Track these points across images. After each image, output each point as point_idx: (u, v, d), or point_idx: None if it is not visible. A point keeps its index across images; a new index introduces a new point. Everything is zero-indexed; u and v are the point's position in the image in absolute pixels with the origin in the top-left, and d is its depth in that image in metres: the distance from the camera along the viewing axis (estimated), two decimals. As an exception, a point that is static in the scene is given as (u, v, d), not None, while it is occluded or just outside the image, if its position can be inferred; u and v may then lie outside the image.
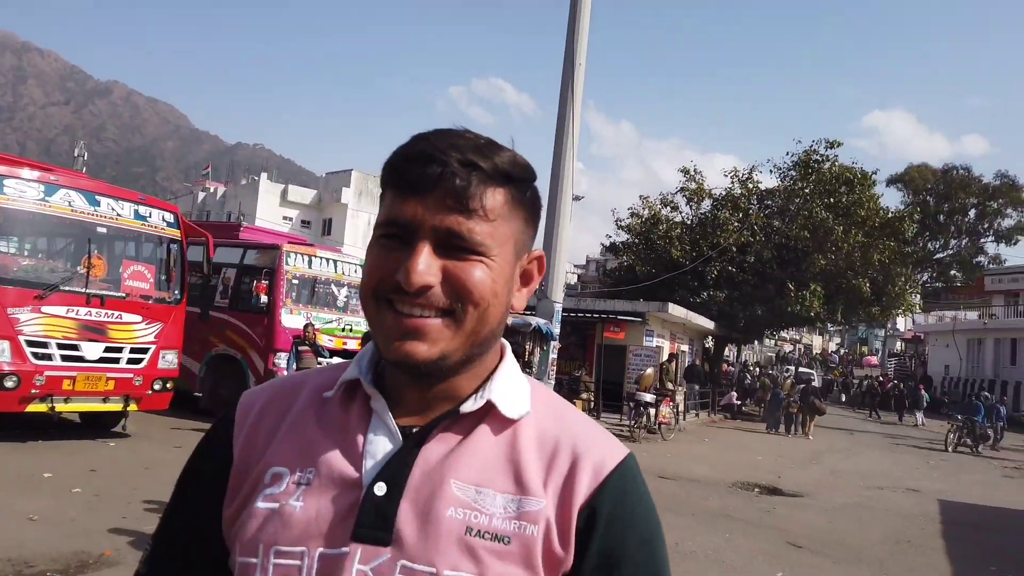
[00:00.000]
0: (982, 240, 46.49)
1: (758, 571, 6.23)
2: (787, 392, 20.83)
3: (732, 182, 26.90)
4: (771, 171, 27.49)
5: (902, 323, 51.08)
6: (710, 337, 28.08)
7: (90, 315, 8.20)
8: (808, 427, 19.85)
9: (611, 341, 19.19)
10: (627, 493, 0.85)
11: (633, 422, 15.39)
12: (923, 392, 28.78)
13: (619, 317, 19.46)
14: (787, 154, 27.16)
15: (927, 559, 7.24)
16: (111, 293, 8.49)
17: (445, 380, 0.85)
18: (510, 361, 0.91)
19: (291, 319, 11.32)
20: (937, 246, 46.98)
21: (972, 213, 45.94)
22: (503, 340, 0.93)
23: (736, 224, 24.80)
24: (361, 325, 12.05)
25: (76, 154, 39.46)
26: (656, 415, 15.63)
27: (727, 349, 32.89)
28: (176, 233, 9.42)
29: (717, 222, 25.29)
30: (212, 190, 59.52)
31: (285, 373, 10.45)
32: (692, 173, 27.02)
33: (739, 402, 25.61)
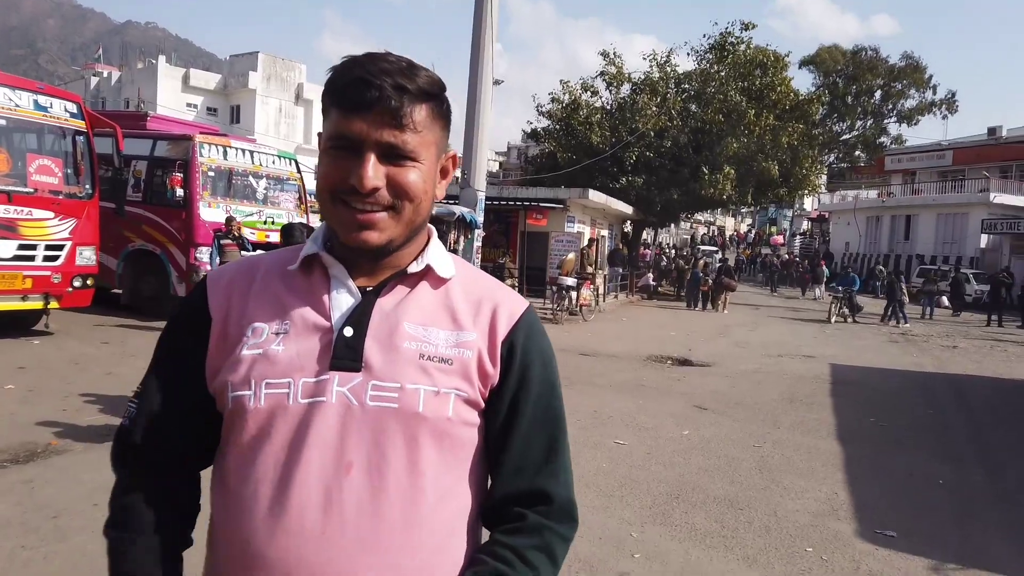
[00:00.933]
0: (886, 121, 48.39)
1: (667, 430, 6.91)
2: (703, 272, 22.30)
3: (651, 66, 26.93)
4: (688, 54, 27.63)
5: (809, 203, 53.40)
6: (628, 222, 28.85)
7: (-2, 212, 7.91)
8: (722, 303, 21.64)
9: (533, 228, 19.57)
10: (532, 330, 1.15)
11: (556, 305, 16.01)
12: (824, 268, 30.64)
13: (541, 204, 19.77)
14: (704, 36, 27.25)
15: (816, 413, 8.13)
16: (18, 189, 8.17)
17: (390, 255, 1.10)
18: (436, 238, 1.17)
19: (210, 212, 11.10)
20: (844, 127, 48.67)
21: (878, 95, 47.53)
22: (429, 225, 1.17)
23: (654, 109, 25.03)
24: (282, 217, 11.95)
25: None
26: (577, 298, 16.29)
27: (644, 233, 33.90)
28: (81, 124, 9.01)
29: (636, 107, 25.45)
30: (105, 75, 55.35)
31: (208, 267, 10.37)
32: (612, 57, 26.85)
33: (655, 283, 26.77)
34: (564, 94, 26.72)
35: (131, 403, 1.12)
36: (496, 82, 16.20)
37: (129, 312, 11.30)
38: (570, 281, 16.03)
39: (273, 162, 12.56)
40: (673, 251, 40.59)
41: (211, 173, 11.44)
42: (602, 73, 26.95)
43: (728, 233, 71.65)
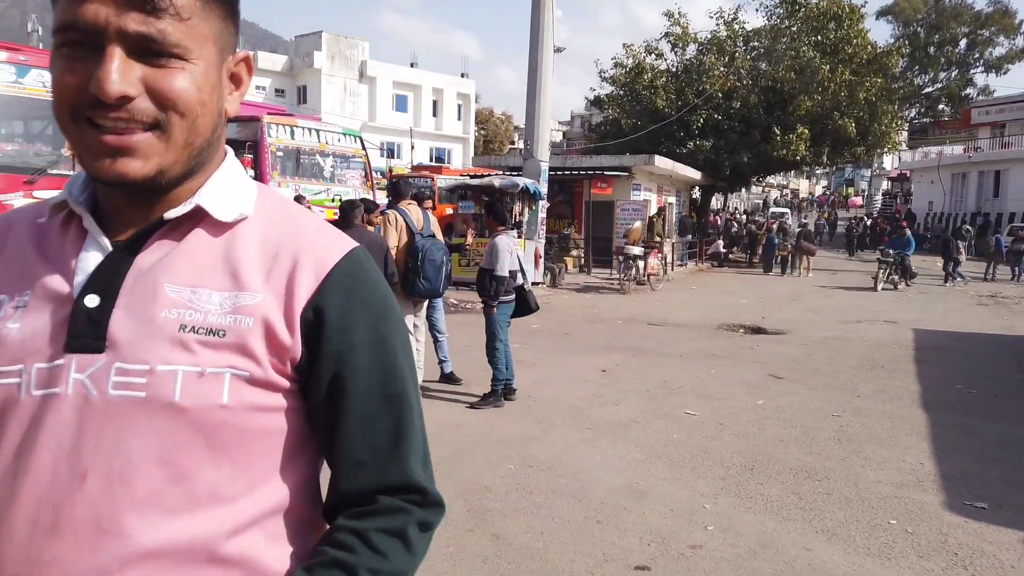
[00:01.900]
0: (971, 71, 45.71)
1: (740, 400, 6.75)
2: (780, 235, 22.32)
3: (718, 24, 26.06)
4: (757, 10, 26.66)
5: (888, 162, 51.07)
6: (696, 187, 28.19)
7: (81, 198, 8.26)
8: (804, 267, 21.28)
9: (598, 197, 19.33)
10: (353, 285, 0.87)
11: (622, 275, 15.82)
12: (907, 231, 29.32)
13: (605, 173, 19.49)
14: (774, -10, 26.15)
15: (898, 381, 7.80)
16: (99, 175, 8.50)
17: (164, 195, 0.85)
18: (229, 166, 0.91)
19: (279, 192, 11.37)
20: (926, 80, 46.21)
21: (963, 43, 44.91)
22: (227, 148, 0.93)
23: (722, 69, 24.27)
24: (349, 195, 12.12)
25: (30, 29, 37.45)
26: (645, 267, 16.05)
27: (714, 198, 33.10)
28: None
29: (703, 68, 24.72)
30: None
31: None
32: (676, 17, 26.09)
33: (726, 250, 26.15)
34: (628, 58, 26.17)
35: None
36: (557, 50, 15.95)
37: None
38: (636, 250, 15.79)
39: (339, 140, 12.72)
40: (744, 216, 39.53)
41: (279, 153, 11.68)
42: (666, 34, 26.26)
43: (802, 195, 69.37)
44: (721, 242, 26.32)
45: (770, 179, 51.45)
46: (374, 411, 0.88)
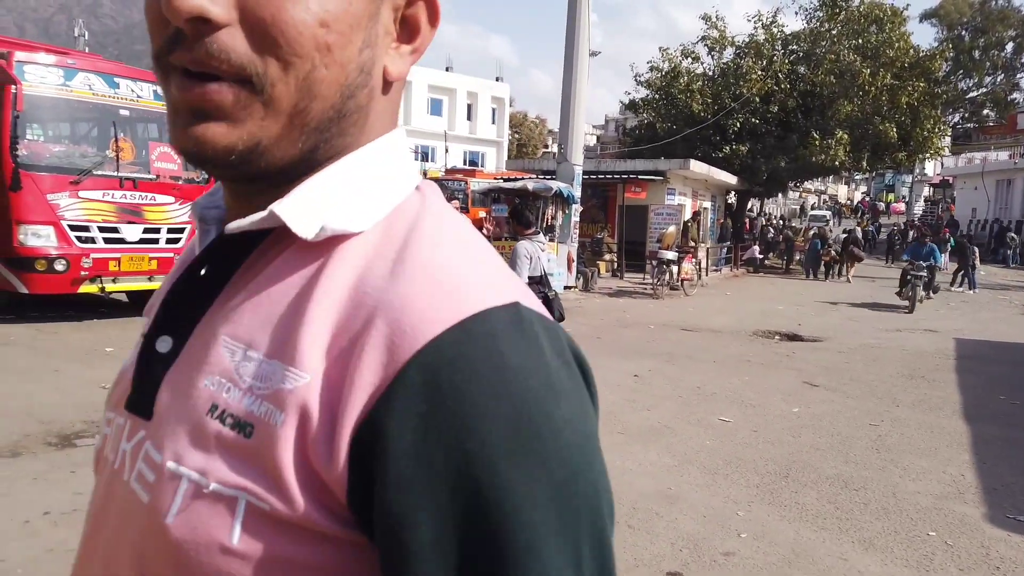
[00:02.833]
0: (1018, 75, 44.62)
1: (775, 407, 6.66)
2: (827, 242, 23.01)
3: (755, 28, 25.78)
4: (796, 13, 26.28)
5: (930, 167, 50.02)
6: (732, 192, 27.89)
7: (125, 198, 8.46)
8: (848, 272, 21.86)
9: (632, 201, 19.23)
10: (443, 401, 0.46)
11: (656, 280, 15.72)
12: (948, 237, 28.69)
13: (640, 177, 19.39)
14: (814, -7, 25.81)
15: (939, 391, 7.63)
16: (142, 175, 8.70)
17: (280, 189, 0.55)
18: (373, 151, 0.58)
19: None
20: (970, 84, 45.20)
21: (1009, 47, 43.87)
22: (396, 131, 0.60)
23: (760, 73, 23.98)
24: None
25: (76, 34, 38.48)
26: (679, 272, 15.93)
27: (750, 203, 32.72)
28: (196, 112, 9.47)
29: (740, 72, 24.46)
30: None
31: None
32: (714, 20, 25.88)
33: (762, 256, 25.82)
34: (664, 62, 26.00)
35: None
36: (593, 53, 15.93)
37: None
38: (670, 255, 15.67)
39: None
40: (781, 221, 39.00)
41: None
42: (703, 38, 26.05)
43: (842, 201, 68.29)
44: (757, 247, 26.00)
45: (807, 184, 50.72)
46: None
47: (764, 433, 5.83)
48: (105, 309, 9.30)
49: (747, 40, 25.66)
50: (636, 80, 27.18)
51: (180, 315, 0.58)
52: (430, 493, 0.45)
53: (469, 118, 49.24)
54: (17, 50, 8.08)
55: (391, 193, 0.57)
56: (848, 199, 71.46)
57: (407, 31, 0.58)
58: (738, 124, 23.78)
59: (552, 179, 15.04)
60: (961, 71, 44.02)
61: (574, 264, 14.93)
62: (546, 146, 57.74)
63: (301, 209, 0.54)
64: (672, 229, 17.00)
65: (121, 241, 8.42)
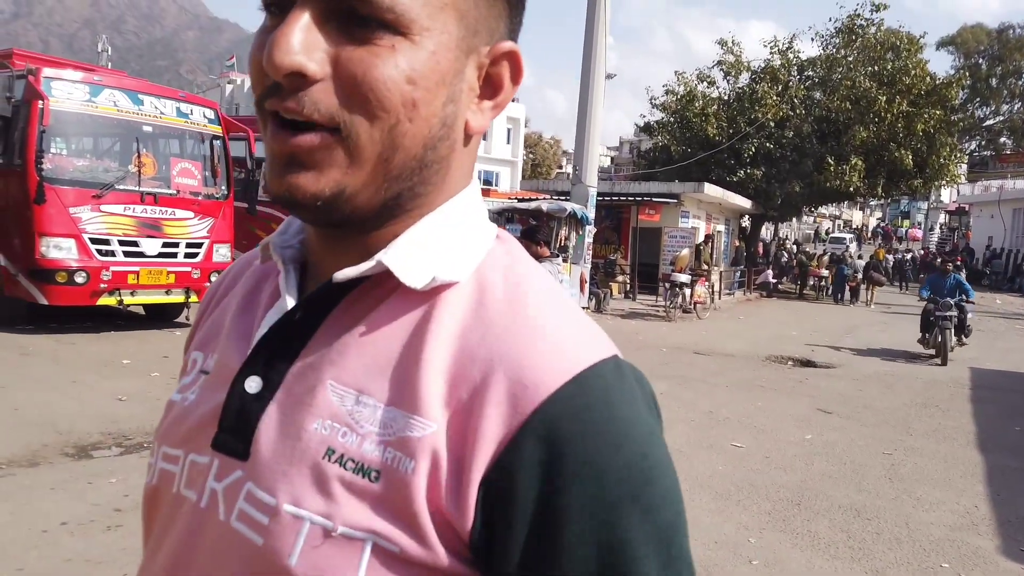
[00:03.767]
0: (1036, 104, 44.47)
1: (788, 433, 6.63)
2: (854, 268, 23.61)
3: (771, 53, 25.89)
4: (812, 39, 26.39)
5: (946, 195, 49.81)
6: (746, 216, 27.88)
7: (145, 212, 8.58)
8: (871, 297, 22.42)
9: (646, 223, 19.26)
10: (572, 447, 0.51)
11: (668, 303, 15.71)
12: (962, 265, 28.51)
13: (654, 199, 19.44)
14: (830, 20, 25.99)
15: (953, 420, 7.57)
16: (163, 190, 8.83)
17: (366, 234, 0.59)
18: (459, 204, 0.62)
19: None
20: (987, 112, 45.11)
21: (1027, 76, 43.75)
22: (473, 184, 0.64)
23: (775, 98, 24.06)
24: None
25: (100, 49, 39.17)
26: (691, 295, 15.91)
27: (764, 227, 32.68)
28: (218, 129, 9.62)
29: (755, 96, 24.55)
30: (239, 82, 58.94)
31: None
32: (730, 45, 26.02)
33: (775, 280, 25.74)
34: (679, 85, 26.14)
35: None
36: (608, 76, 16.06)
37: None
38: (683, 278, 15.66)
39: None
40: (795, 246, 38.88)
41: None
42: (719, 62, 26.19)
43: (855, 226, 68.03)
44: (771, 272, 25.92)
45: (822, 209, 50.62)
46: None
47: (776, 459, 5.81)
48: (122, 321, 9.40)
49: (763, 65, 25.78)
50: (651, 103, 27.36)
51: (270, 356, 0.60)
52: (555, 534, 0.50)
53: (484, 138, 49.09)
54: (45, 67, 8.26)
55: (480, 243, 0.62)
56: (863, 225, 71.19)
57: (490, 87, 0.61)
58: (753, 148, 23.83)
59: (566, 200, 15.10)
60: (978, 99, 43.98)
61: (587, 285, 14.95)
62: (560, 167, 57.97)
63: (404, 259, 0.57)
64: (685, 252, 17.00)
65: (140, 255, 8.53)
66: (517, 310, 0.56)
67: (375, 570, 0.51)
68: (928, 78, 24.20)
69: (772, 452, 6.00)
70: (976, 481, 5.59)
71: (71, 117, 8.20)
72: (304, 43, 0.52)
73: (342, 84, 0.53)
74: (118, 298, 8.40)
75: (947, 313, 11.67)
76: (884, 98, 22.94)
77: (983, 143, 46.00)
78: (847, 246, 35.61)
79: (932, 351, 11.86)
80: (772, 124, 23.77)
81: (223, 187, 9.64)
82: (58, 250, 7.93)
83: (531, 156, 56.20)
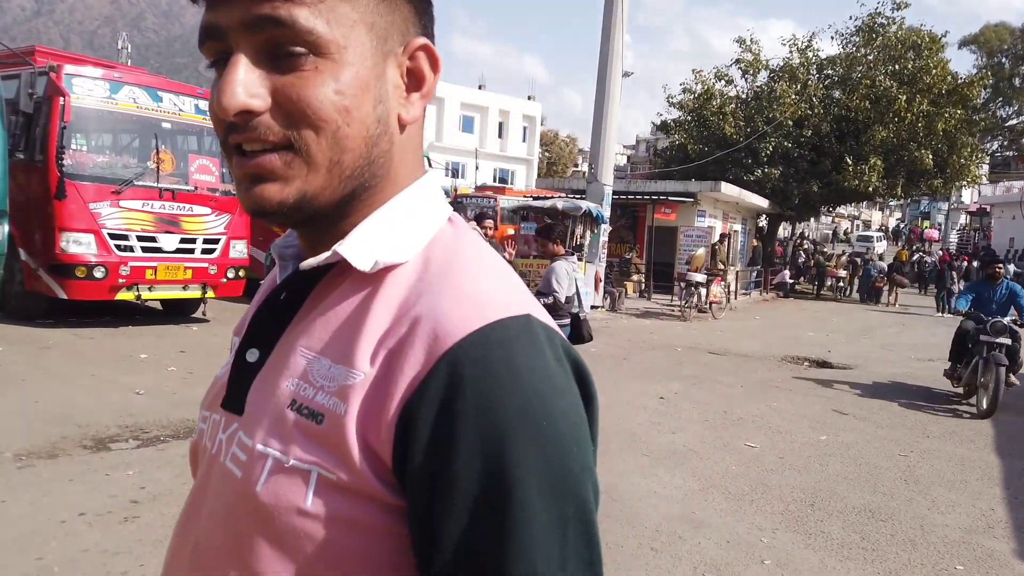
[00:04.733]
0: (1060, 104, 43.83)
1: (802, 434, 6.59)
2: (879, 269, 24.30)
3: (790, 51, 25.71)
4: (832, 37, 26.18)
5: (967, 195, 49.21)
6: (763, 216, 27.71)
7: (164, 208, 8.66)
8: (894, 298, 22.91)
9: (662, 222, 19.20)
10: (466, 390, 0.58)
11: (684, 302, 15.65)
12: (967, 265, 28.15)
13: (670, 198, 19.37)
14: (850, 18, 25.79)
15: (971, 423, 7.49)
16: (181, 187, 8.91)
17: (333, 226, 0.70)
18: (411, 194, 0.72)
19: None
20: (1010, 112, 44.53)
21: (1051, 75, 43.13)
22: (429, 175, 0.75)
23: (793, 97, 23.89)
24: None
25: (120, 46, 39.49)
26: (707, 295, 15.84)
27: (781, 227, 32.47)
28: (235, 126, 9.69)
29: (773, 95, 24.38)
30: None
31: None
32: (748, 43, 25.85)
33: (792, 280, 25.57)
34: (696, 84, 26.02)
35: None
36: (625, 74, 16.00)
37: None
38: (699, 277, 15.60)
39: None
40: (812, 246, 38.57)
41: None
42: (737, 60, 26.04)
43: (874, 226, 67.41)
44: (787, 272, 25.75)
45: (841, 209, 50.21)
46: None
47: (791, 460, 5.78)
48: (140, 316, 9.50)
49: (782, 64, 25.61)
50: (668, 101, 27.25)
51: (265, 331, 0.74)
52: (448, 461, 0.58)
53: (500, 136, 49.57)
54: (66, 63, 8.35)
55: (426, 227, 0.71)
56: (883, 225, 70.52)
57: (415, 81, 0.71)
58: (770, 147, 23.68)
59: (582, 199, 15.07)
60: (1000, 99, 43.43)
61: (601, 284, 14.92)
62: (576, 165, 57.86)
63: (358, 247, 0.68)
64: (701, 251, 16.92)
65: (158, 250, 8.61)
66: (447, 275, 0.66)
67: (320, 494, 0.62)
68: (949, 77, 23.94)
69: (786, 453, 5.97)
70: (993, 484, 5.53)
71: (91, 113, 8.29)
72: (244, 85, 0.62)
73: (283, 108, 0.63)
74: (136, 293, 8.49)
75: (997, 340, 7.85)
76: (904, 97, 22.72)
77: (1005, 143, 45.44)
78: (872, 246, 35.23)
79: (962, 390, 8.60)
80: (790, 123, 23.61)
81: (240, 184, 9.70)
82: (78, 245, 8.03)
83: (547, 154, 56.14)
